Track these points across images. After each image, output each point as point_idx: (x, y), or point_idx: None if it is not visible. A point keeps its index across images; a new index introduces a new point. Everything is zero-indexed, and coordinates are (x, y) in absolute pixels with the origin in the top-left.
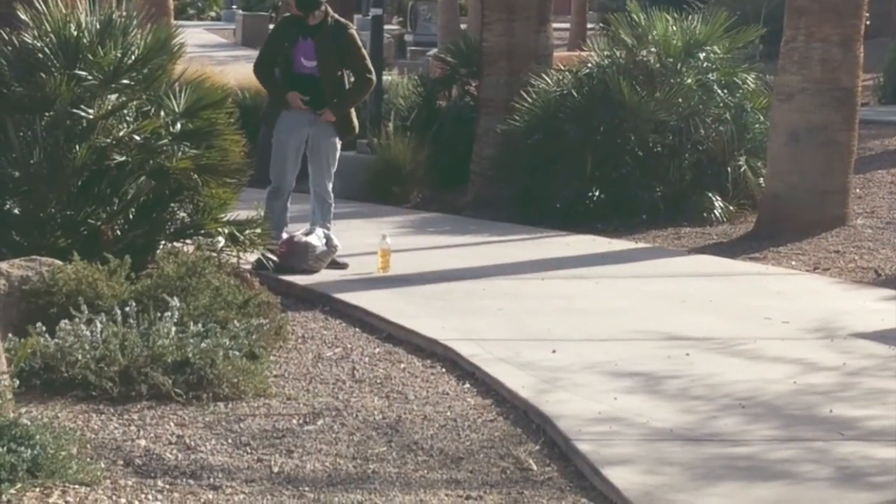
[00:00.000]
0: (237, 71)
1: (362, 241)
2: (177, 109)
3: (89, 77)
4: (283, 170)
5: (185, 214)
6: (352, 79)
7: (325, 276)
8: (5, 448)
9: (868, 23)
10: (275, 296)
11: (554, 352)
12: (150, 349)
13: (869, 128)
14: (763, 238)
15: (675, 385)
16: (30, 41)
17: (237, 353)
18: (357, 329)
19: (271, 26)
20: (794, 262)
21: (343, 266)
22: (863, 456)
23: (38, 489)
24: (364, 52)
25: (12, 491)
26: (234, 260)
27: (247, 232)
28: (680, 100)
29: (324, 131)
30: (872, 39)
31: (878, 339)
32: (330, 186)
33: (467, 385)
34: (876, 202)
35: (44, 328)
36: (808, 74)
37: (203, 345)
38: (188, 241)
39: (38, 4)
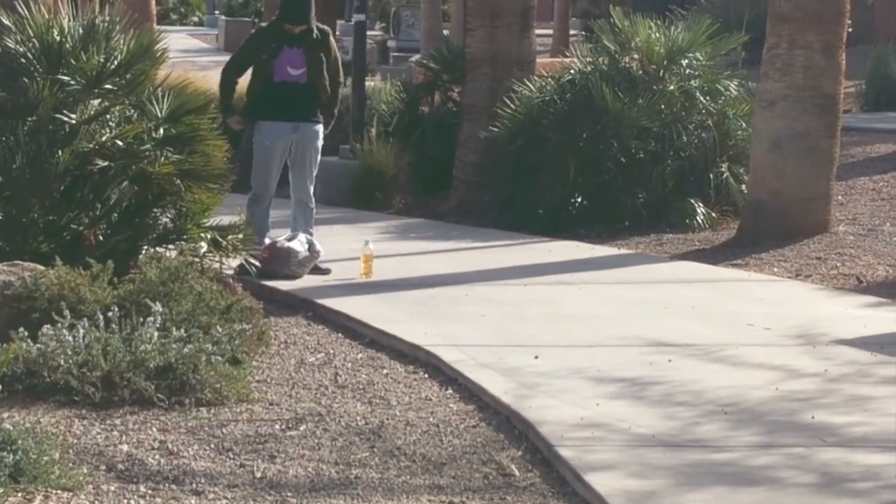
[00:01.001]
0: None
1: (345, 247)
2: (160, 115)
3: (72, 82)
4: (267, 177)
5: (167, 219)
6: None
7: (308, 281)
8: None
9: (850, 30)
10: (257, 301)
11: (536, 357)
12: (133, 354)
13: (851, 135)
14: (745, 244)
15: (658, 391)
16: (12, 46)
17: (220, 358)
18: (340, 334)
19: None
20: (776, 269)
21: (325, 272)
22: (844, 462)
23: (20, 494)
24: (336, 56)
25: None
26: (217, 265)
27: (229, 237)
28: (662, 106)
29: (309, 137)
30: (855, 47)
31: (860, 346)
32: (312, 191)
33: (450, 391)
34: (858, 209)
35: (26, 333)
36: (791, 81)
37: (185, 350)
38: (171, 246)
39: (20, 9)
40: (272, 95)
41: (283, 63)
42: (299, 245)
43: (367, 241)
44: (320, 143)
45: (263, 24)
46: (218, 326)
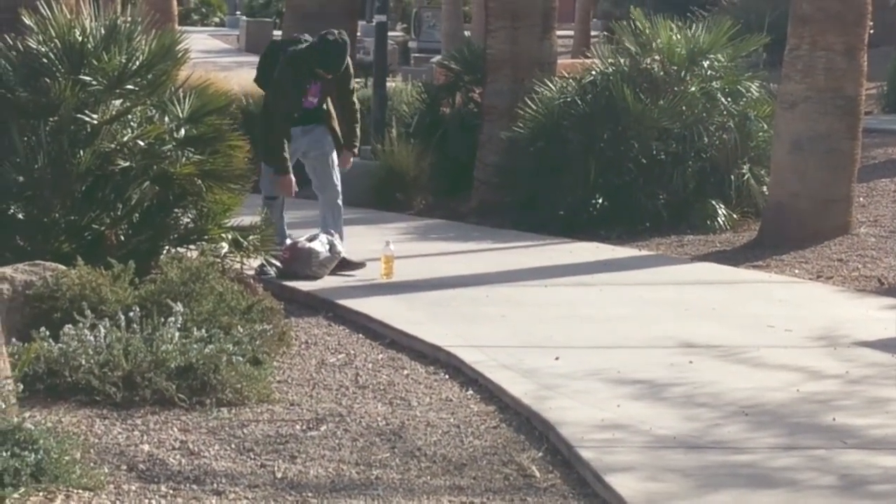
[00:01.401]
0: (241, 77)
1: (366, 248)
2: (181, 115)
3: (94, 82)
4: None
5: (188, 220)
6: None
7: (329, 282)
8: (9, 452)
9: (872, 31)
10: (278, 302)
11: (557, 359)
12: (154, 354)
13: (872, 136)
14: (766, 246)
15: (679, 392)
16: (34, 46)
17: (241, 358)
18: (360, 335)
19: (276, 33)
20: (797, 271)
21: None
22: (865, 464)
23: (41, 494)
24: (350, 76)
25: (16, 495)
26: (238, 265)
27: (250, 237)
28: (684, 107)
29: (317, 136)
30: (876, 48)
31: (881, 348)
32: (338, 189)
33: (470, 392)
34: (879, 211)
35: (48, 333)
36: (812, 83)
37: (206, 350)
38: (192, 246)
39: (42, 9)
40: (297, 119)
41: (309, 95)
42: (320, 246)
43: (387, 242)
44: (330, 140)
45: (293, 54)
46: (239, 327)
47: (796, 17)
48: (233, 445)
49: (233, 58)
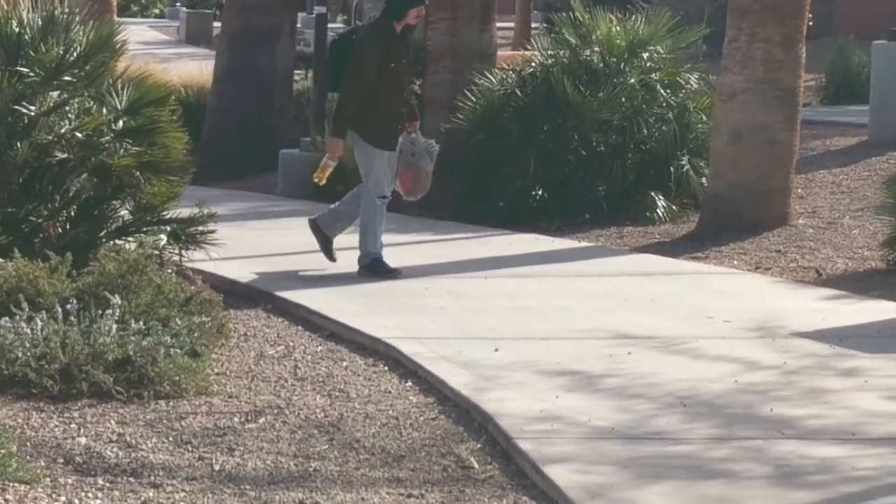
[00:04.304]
0: (180, 68)
1: (305, 240)
2: (119, 107)
3: (31, 74)
4: None
5: (127, 212)
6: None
7: (269, 273)
8: None
9: (811, 23)
10: (217, 293)
11: (496, 350)
12: (91, 347)
13: (811, 128)
14: (705, 237)
15: (617, 383)
16: None
17: (178, 350)
18: (299, 327)
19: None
20: (735, 262)
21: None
22: (802, 455)
23: None
24: (355, 59)
25: None
26: (176, 257)
27: (189, 229)
28: (623, 99)
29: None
30: (815, 40)
31: (819, 339)
32: (368, 185)
33: (409, 383)
34: (817, 202)
35: None
36: (751, 74)
37: (144, 342)
38: (130, 238)
39: None
40: None
41: None
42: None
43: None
44: (359, 146)
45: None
46: (177, 319)
47: (735, 9)
48: (170, 438)
49: (172, 49)
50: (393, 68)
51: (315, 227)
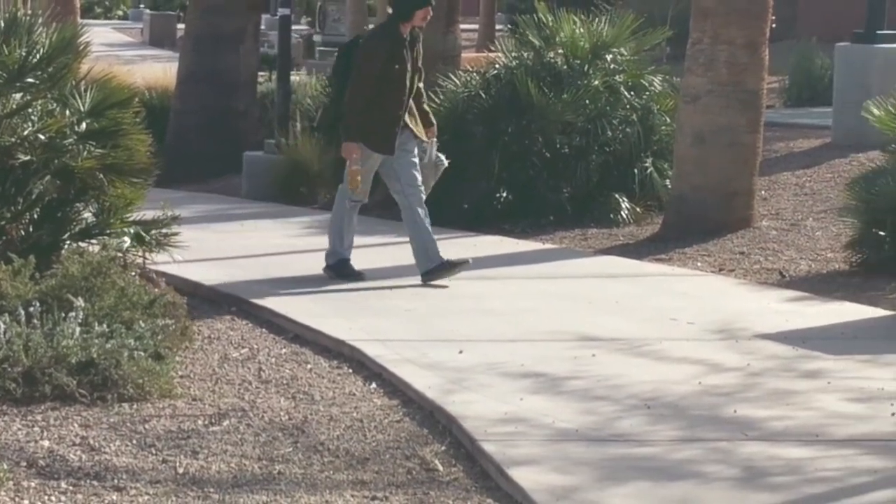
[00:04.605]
0: (144, 70)
1: (269, 242)
2: (82, 109)
3: None
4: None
5: (90, 214)
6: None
7: (233, 276)
8: None
9: (774, 26)
10: (181, 296)
11: (461, 352)
12: (55, 350)
13: (774, 130)
14: (669, 239)
15: (581, 385)
16: None
17: (142, 353)
18: (264, 329)
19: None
20: (699, 264)
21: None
22: (766, 456)
23: None
24: (361, 60)
25: None
26: (140, 260)
27: (153, 232)
28: (587, 101)
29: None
30: (778, 42)
31: (782, 340)
32: (345, 189)
33: (374, 386)
34: (781, 204)
35: None
36: (714, 77)
37: (108, 345)
38: (94, 241)
39: None
40: None
41: None
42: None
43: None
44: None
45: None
46: (141, 322)
47: (698, 11)
48: (134, 441)
49: (136, 51)
50: (397, 70)
51: (427, 275)
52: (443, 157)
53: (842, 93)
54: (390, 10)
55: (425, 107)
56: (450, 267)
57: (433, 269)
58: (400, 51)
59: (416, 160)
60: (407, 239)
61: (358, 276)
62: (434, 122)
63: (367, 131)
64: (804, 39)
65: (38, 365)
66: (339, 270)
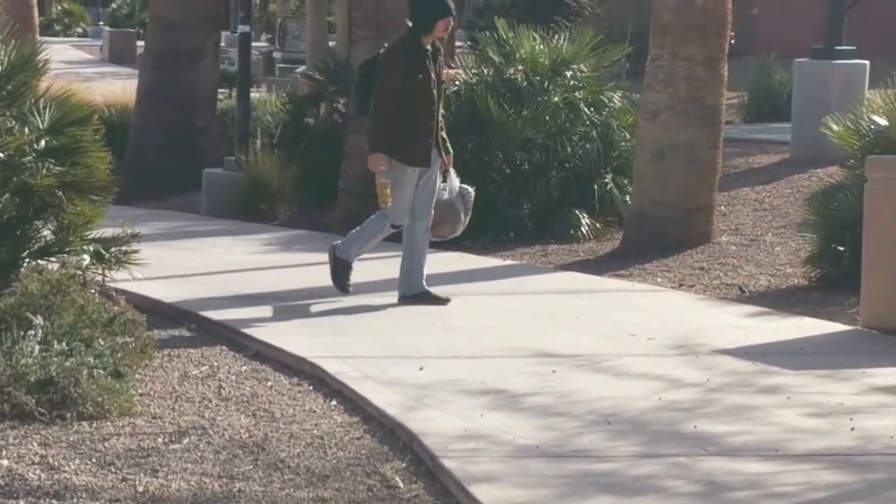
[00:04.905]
0: (104, 87)
1: (229, 259)
2: (41, 126)
3: None
4: None
5: (49, 232)
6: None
7: (193, 293)
8: None
9: (733, 41)
10: (141, 314)
11: (421, 369)
12: (13, 368)
13: (733, 146)
14: (629, 255)
15: (542, 402)
16: None
17: (102, 371)
18: (224, 346)
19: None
20: (659, 279)
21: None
22: (726, 471)
23: None
24: (381, 73)
25: None
26: (100, 278)
27: (112, 249)
28: (547, 118)
29: None
30: (737, 58)
31: (742, 356)
32: (388, 211)
33: (334, 403)
34: (740, 219)
35: None
36: (673, 93)
37: (67, 363)
38: (53, 258)
39: None
40: None
41: None
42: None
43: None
44: (391, 167)
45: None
46: (100, 339)
47: (657, 28)
48: (94, 459)
49: (96, 68)
50: (421, 80)
51: (405, 299)
52: (467, 186)
53: (800, 108)
54: (410, 23)
55: (442, 134)
56: (429, 299)
57: (413, 297)
58: (422, 62)
59: (436, 184)
60: (367, 255)
61: (346, 288)
62: (451, 150)
63: (395, 145)
64: (763, 55)
65: None
66: (338, 272)
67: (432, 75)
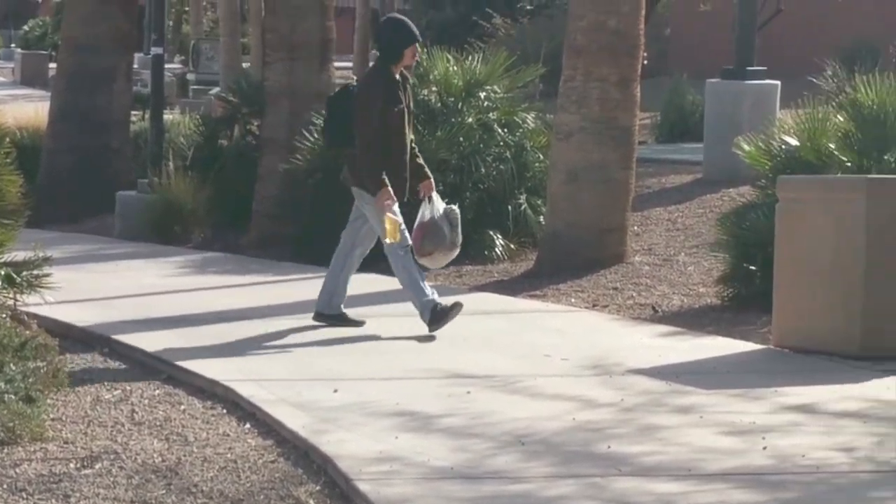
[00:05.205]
0: (15, 110)
1: (143, 282)
2: None
3: None
4: None
5: None
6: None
7: (106, 317)
8: None
9: (646, 62)
10: (53, 338)
11: (336, 391)
12: None
13: (647, 166)
14: (543, 275)
15: (456, 423)
16: None
17: (13, 396)
18: (137, 370)
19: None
20: (573, 300)
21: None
22: (640, 491)
23: None
24: (360, 109)
25: None
26: (11, 302)
27: (24, 273)
28: (461, 139)
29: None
30: (651, 78)
31: (655, 375)
32: (389, 249)
33: (248, 426)
34: (653, 239)
35: None
36: (587, 113)
37: None
38: None
39: None
40: None
41: None
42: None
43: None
44: (368, 201)
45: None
46: (11, 364)
47: (571, 49)
48: (5, 485)
49: (7, 91)
50: (397, 112)
51: (321, 317)
52: (454, 207)
53: (712, 129)
54: (378, 53)
55: (419, 160)
56: (344, 321)
57: (329, 317)
58: (396, 92)
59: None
60: (280, 277)
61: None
62: (430, 175)
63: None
64: (675, 76)
65: None
66: (436, 314)
67: (405, 106)
